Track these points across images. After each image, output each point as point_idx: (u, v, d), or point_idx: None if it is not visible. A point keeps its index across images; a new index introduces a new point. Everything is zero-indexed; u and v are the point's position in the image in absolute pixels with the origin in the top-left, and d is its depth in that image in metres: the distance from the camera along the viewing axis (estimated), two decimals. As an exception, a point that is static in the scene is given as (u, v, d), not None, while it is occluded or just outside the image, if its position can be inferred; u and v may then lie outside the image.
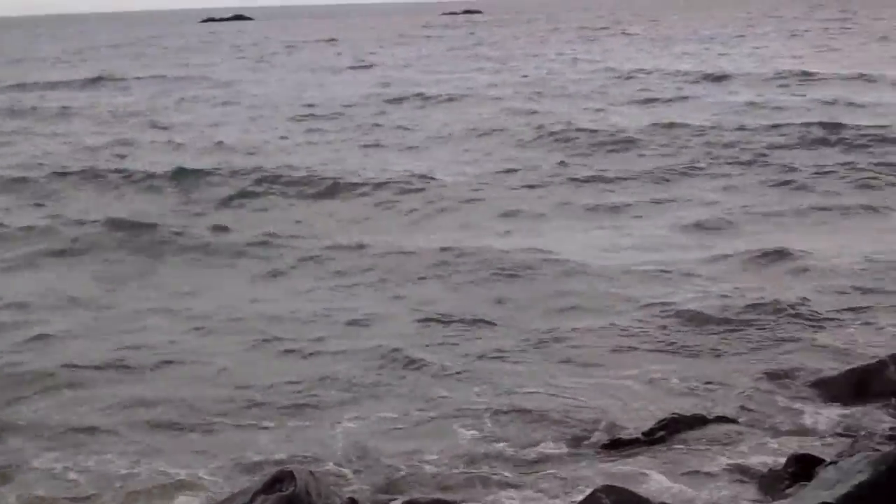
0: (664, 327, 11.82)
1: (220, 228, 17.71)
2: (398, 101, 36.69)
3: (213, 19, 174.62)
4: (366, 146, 26.70)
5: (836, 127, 25.52)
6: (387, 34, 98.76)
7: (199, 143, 27.52)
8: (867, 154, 22.60)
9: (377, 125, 30.37)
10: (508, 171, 22.23)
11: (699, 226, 16.79)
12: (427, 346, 11.68)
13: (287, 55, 67.97)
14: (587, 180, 21.00)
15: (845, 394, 9.78)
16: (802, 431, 8.98)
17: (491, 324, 12.27)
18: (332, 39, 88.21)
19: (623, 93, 37.29)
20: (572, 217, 18.09)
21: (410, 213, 18.79)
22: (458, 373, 10.79)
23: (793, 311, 12.15)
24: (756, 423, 9.23)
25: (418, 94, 37.62)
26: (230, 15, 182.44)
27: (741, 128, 26.59)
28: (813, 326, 11.74)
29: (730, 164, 22.29)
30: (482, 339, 11.83)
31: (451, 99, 36.38)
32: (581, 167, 22.49)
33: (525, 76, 44.96)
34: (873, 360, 10.18)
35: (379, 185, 20.72)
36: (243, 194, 20.50)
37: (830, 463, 7.03)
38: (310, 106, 35.64)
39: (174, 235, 17.06)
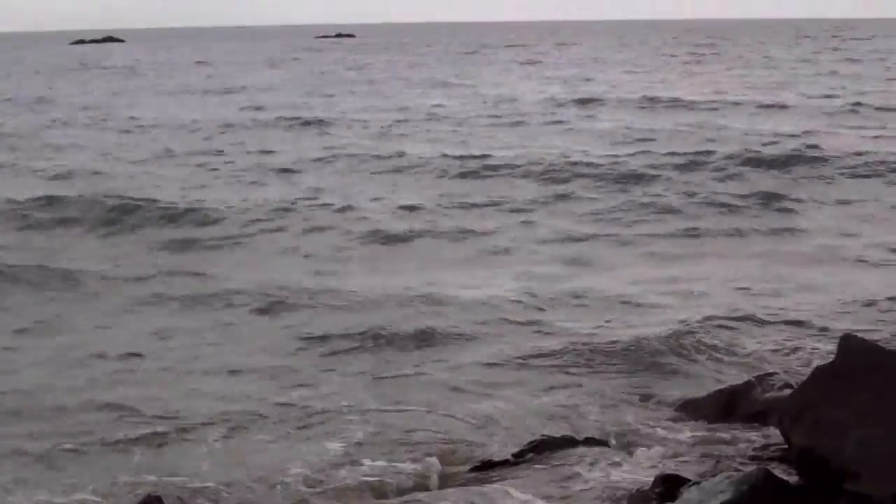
0: (537, 353, 11.86)
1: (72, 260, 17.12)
2: (268, 125, 36.31)
3: (83, 41, 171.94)
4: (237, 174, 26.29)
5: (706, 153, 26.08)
6: (258, 57, 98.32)
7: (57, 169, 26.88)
8: (732, 180, 23.11)
9: (250, 152, 29.88)
10: (376, 199, 22.06)
11: (575, 260, 16.87)
12: (302, 366, 11.71)
13: (156, 78, 67.10)
14: (451, 207, 21.00)
15: (713, 414, 9.89)
16: (670, 452, 9.03)
17: (365, 350, 12.24)
18: (202, 62, 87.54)
19: (489, 116, 37.57)
20: (441, 250, 17.99)
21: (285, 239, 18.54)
22: (333, 393, 10.78)
23: (663, 336, 12.32)
24: (625, 444, 9.30)
25: (288, 117, 37.32)
26: (100, 37, 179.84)
27: (609, 154, 26.90)
28: (682, 350, 11.91)
29: (600, 189, 22.54)
30: (358, 361, 11.83)
31: (321, 123, 36.11)
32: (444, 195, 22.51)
33: (389, 99, 44.92)
34: (740, 382, 10.36)
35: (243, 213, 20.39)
36: (104, 223, 19.88)
37: (693, 483, 7.15)
38: (181, 128, 35.23)
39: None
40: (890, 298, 13.97)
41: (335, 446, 9.43)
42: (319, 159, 27.82)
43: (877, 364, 7.42)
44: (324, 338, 12.59)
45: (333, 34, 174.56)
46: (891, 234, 17.81)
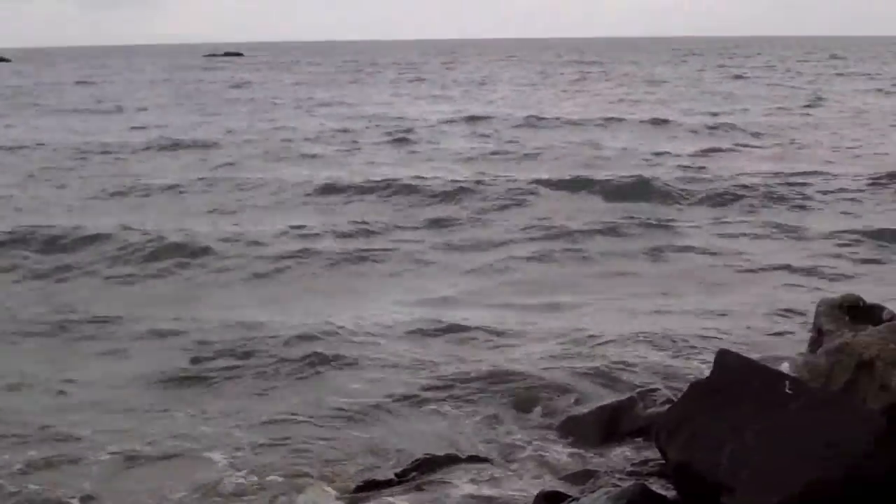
0: (423, 378, 11.84)
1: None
2: (150, 147, 35.55)
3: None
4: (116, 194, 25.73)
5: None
6: (143, 76, 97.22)
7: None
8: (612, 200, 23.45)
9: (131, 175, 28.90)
10: (257, 224, 21.57)
11: (461, 284, 16.76)
12: (187, 379, 11.73)
13: (36, 98, 65.91)
14: (335, 230, 20.77)
15: (595, 431, 9.94)
16: (552, 469, 9.11)
17: (247, 375, 12.15)
18: (84, 82, 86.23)
19: (372, 136, 37.57)
20: (330, 274, 17.72)
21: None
22: (217, 416, 10.71)
23: (548, 356, 12.45)
24: (508, 461, 9.36)
25: (171, 139, 36.86)
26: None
27: (498, 175, 26.97)
28: (566, 369, 11.99)
29: (497, 210, 22.68)
30: (239, 387, 11.73)
31: (205, 146, 35.54)
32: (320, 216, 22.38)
33: (273, 121, 44.59)
34: (623, 398, 10.47)
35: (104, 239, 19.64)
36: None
37: (573, 499, 7.23)
38: (54, 150, 34.60)
39: None
40: (767, 314, 14.26)
41: (221, 459, 9.47)
42: (200, 179, 27.37)
43: (751, 379, 7.57)
44: (210, 359, 12.47)
45: (222, 53, 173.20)
46: (770, 253, 18.11)
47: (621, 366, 11.90)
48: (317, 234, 20.22)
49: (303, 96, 62.25)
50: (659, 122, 40.92)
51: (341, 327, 13.70)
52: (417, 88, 69.55)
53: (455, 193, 24.37)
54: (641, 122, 41.29)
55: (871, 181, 25.17)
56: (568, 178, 26.13)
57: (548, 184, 25.45)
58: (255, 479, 9.06)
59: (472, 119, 43.06)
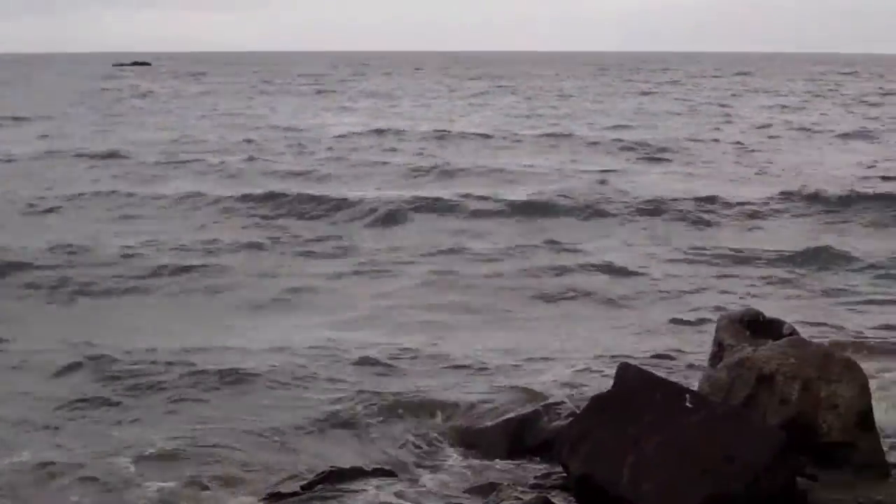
0: (329, 394, 11.85)
1: None
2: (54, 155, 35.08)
3: None
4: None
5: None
6: (46, 86, 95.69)
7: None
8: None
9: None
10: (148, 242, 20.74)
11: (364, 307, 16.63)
12: (101, 398, 11.56)
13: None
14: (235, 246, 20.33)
15: (500, 443, 10.02)
16: (456, 482, 9.14)
17: (160, 390, 12.01)
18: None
19: (275, 147, 37.36)
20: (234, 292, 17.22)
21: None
22: (131, 419, 10.77)
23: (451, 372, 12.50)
24: (413, 474, 9.40)
25: (70, 150, 36.25)
26: None
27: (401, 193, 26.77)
28: (473, 383, 12.08)
29: (398, 226, 22.60)
30: (149, 396, 11.65)
31: (111, 156, 34.93)
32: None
33: (172, 129, 44.08)
34: (528, 411, 10.52)
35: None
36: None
37: (476, 512, 7.25)
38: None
39: None
40: (672, 322, 14.65)
41: (125, 465, 9.48)
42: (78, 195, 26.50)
43: (652, 392, 7.65)
44: (120, 379, 12.29)
45: (130, 62, 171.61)
46: (674, 271, 18.26)
47: (526, 381, 11.96)
48: (213, 249, 19.85)
49: (208, 106, 61.75)
50: (560, 137, 41.09)
51: (243, 347, 13.54)
52: (325, 100, 69.32)
53: (358, 208, 24.25)
54: (546, 136, 41.39)
55: (776, 198, 25.43)
56: (475, 194, 25.97)
57: (448, 201, 25.26)
58: (162, 487, 9.01)
59: (379, 132, 42.94)
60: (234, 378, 12.14)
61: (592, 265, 18.56)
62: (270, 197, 25.50)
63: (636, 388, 7.69)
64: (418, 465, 9.71)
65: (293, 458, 9.91)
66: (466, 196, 25.65)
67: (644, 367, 8.07)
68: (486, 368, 12.58)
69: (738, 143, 39.87)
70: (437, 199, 25.36)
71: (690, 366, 12.03)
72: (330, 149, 37.99)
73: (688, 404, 7.56)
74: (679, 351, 13.16)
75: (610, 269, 18.22)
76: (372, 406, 11.27)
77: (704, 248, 20.18)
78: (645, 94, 77.83)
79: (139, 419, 10.97)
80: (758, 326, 8.87)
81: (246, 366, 12.52)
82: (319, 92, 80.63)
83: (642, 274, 17.96)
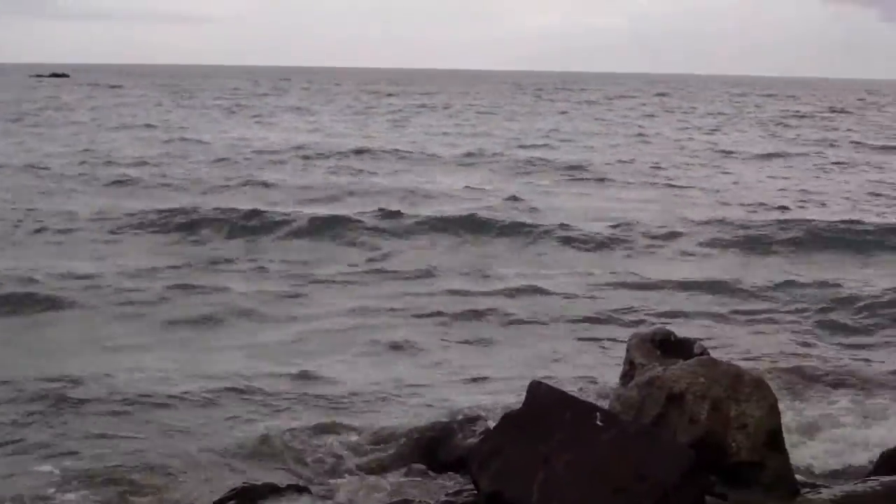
0: (245, 408, 11.85)
1: None
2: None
3: None
4: None
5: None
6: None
7: None
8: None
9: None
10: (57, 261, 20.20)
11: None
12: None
13: None
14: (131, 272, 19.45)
15: (414, 459, 10.05)
16: (370, 498, 9.15)
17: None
18: None
19: (189, 163, 36.92)
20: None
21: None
22: (40, 443, 10.64)
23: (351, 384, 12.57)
24: (327, 490, 9.38)
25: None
26: None
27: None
28: (380, 399, 12.15)
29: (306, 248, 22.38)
30: (71, 415, 11.54)
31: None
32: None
33: (78, 143, 43.32)
34: (441, 428, 10.56)
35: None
36: None
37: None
38: None
39: None
40: (585, 341, 14.88)
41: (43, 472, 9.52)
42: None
43: (563, 410, 7.67)
44: (32, 401, 12.04)
45: (48, 74, 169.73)
46: (586, 290, 18.30)
47: (441, 400, 12.02)
48: (124, 268, 19.34)
49: (127, 118, 61.16)
50: (478, 155, 41.17)
51: (155, 370, 13.32)
52: (243, 113, 68.77)
53: (274, 223, 24.03)
54: (463, 155, 41.40)
55: (692, 221, 25.57)
56: (389, 209, 25.92)
57: (363, 218, 24.98)
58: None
59: (298, 148, 42.70)
60: (146, 402, 11.97)
61: (507, 287, 18.49)
62: (183, 212, 24.98)
63: (547, 405, 7.70)
64: (332, 481, 9.68)
65: (206, 476, 9.85)
66: (382, 213, 25.51)
67: (555, 386, 8.07)
68: (401, 388, 12.62)
69: (656, 164, 40.18)
70: (354, 216, 25.14)
71: (603, 385, 12.10)
72: (248, 162, 37.78)
73: (598, 422, 7.58)
74: (592, 370, 13.25)
75: (524, 290, 18.19)
76: (287, 426, 11.26)
77: (618, 270, 20.30)
78: (563, 112, 78.30)
79: (49, 444, 10.77)
80: (668, 346, 8.94)
81: (158, 389, 12.36)
82: (239, 105, 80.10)
83: (556, 294, 17.97)
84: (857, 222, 24.94)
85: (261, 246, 22.36)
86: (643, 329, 10.10)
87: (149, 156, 39.08)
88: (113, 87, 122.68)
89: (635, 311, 16.90)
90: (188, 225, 23.96)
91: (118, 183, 31.52)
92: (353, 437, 10.80)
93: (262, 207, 25.85)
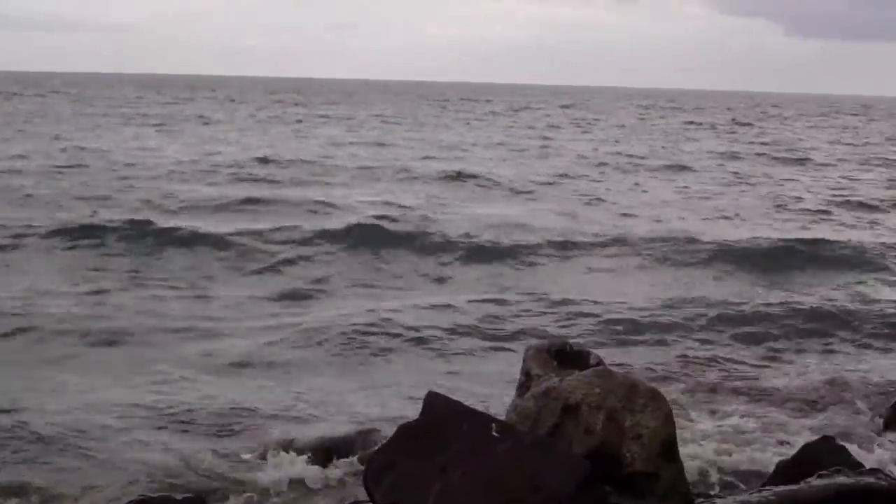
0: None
1: None
2: None
3: None
4: None
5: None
6: None
7: None
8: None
9: None
10: None
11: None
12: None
13: None
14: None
15: (313, 471, 10.12)
16: (262, 505, 9.18)
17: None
18: None
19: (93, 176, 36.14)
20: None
21: None
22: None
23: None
24: (222, 500, 9.48)
25: None
26: None
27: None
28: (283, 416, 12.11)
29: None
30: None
31: None
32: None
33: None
34: (340, 438, 10.81)
35: None
36: None
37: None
38: None
39: None
40: (480, 351, 15.03)
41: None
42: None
43: (460, 421, 7.67)
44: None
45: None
46: (485, 306, 18.22)
47: (340, 415, 12.06)
48: (27, 289, 18.51)
49: (23, 126, 60.13)
50: (378, 169, 40.60)
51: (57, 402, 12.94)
52: (142, 123, 67.63)
53: (169, 240, 23.29)
54: (363, 168, 40.77)
55: (594, 234, 25.55)
56: (289, 225, 25.43)
57: (266, 231, 24.59)
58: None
59: (198, 159, 42.07)
60: (44, 434, 11.74)
61: (407, 300, 18.46)
62: (89, 229, 24.13)
63: (444, 417, 7.69)
64: (227, 491, 9.71)
65: (100, 485, 9.88)
66: (278, 226, 25.18)
67: (452, 397, 8.06)
68: (301, 402, 12.61)
69: (560, 174, 40.40)
70: (251, 229, 24.76)
71: (501, 397, 12.11)
72: (147, 172, 37.00)
73: (495, 434, 7.59)
74: (490, 382, 13.29)
75: (423, 304, 18.10)
76: (185, 430, 11.38)
77: (518, 283, 20.38)
78: (467, 123, 78.49)
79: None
80: (565, 357, 8.98)
81: (60, 420, 12.11)
82: (140, 114, 79.01)
83: (454, 308, 17.89)
84: (757, 237, 25.21)
85: (155, 260, 21.80)
86: (540, 340, 10.12)
87: (44, 166, 38.12)
88: (13, 94, 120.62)
89: (535, 322, 16.92)
90: (83, 237, 23.32)
91: (22, 195, 30.45)
92: (250, 454, 10.76)
93: (155, 219, 25.26)
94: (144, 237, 23.42)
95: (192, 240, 23.36)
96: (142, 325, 16.42)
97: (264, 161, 41.61)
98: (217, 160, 41.77)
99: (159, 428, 11.65)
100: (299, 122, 76.19)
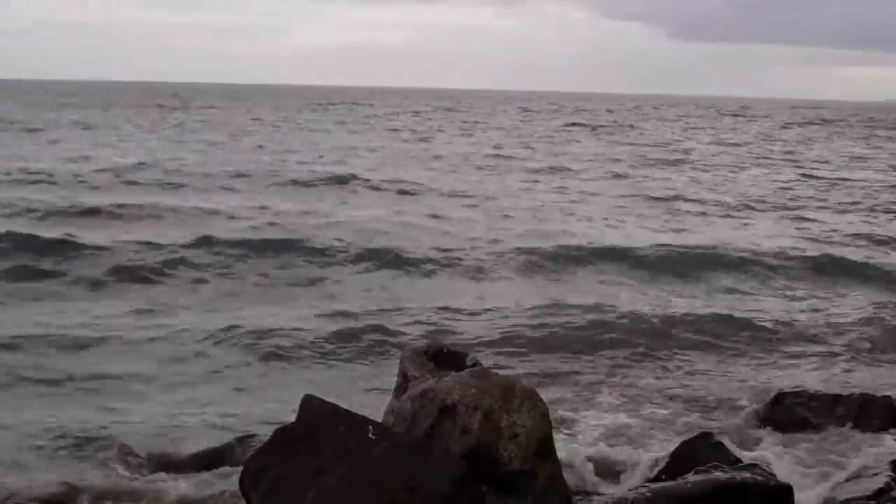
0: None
1: None
2: None
3: None
4: None
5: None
6: None
7: None
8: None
9: None
10: None
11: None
12: None
13: None
14: None
15: (193, 476, 10.01)
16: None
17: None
18: None
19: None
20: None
21: None
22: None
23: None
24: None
25: None
26: None
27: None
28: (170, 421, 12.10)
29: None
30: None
31: None
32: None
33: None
34: (222, 445, 10.74)
35: None
36: None
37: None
38: None
39: None
40: (361, 357, 15.05)
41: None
42: None
43: (336, 424, 7.69)
44: None
45: None
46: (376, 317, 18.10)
47: (222, 419, 12.07)
48: None
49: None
50: (245, 177, 39.06)
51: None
52: (15, 129, 66.06)
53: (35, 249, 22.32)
54: (234, 176, 38.99)
55: (482, 241, 25.39)
56: (164, 242, 23.98)
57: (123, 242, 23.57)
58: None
59: (73, 161, 41.29)
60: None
61: (294, 311, 18.15)
62: None
63: (320, 420, 7.71)
64: (117, 500, 9.60)
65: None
66: (149, 242, 23.73)
67: (328, 400, 8.06)
68: (185, 410, 12.54)
69: (446, 174, 40.43)
70: (118, 241, 23.65)
71: (383, 399, 12.14)
72: (15, 182, 35.51)
73: (371, 436, 7.62)
74: (371, 386, 13.33)
75: (305, 314, 17.89)
76: (82, 440, 11.26)
77: (397, 288, 20.36)
78: (351, 130, 78.15)
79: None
80: (442, 358, 9.00)
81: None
82: (12, 122, 77.18)
83: (334, 315, 17.74)
84: (637, 239, 25.49)
85: (68, 275, 20.76)
86: (416, 342, 10.14)
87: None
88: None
89: (415, 328, 16.82)
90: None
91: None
92: (136, 460, 10.71)
93: (16, 229, 24.20)
94: (52, 250, 22.31)
95: (56, 248, 22.52)
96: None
97: (141, 166, 40.87)
98: (91, 166, 40.85)
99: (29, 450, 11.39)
100: (178, 126, 75.29)
